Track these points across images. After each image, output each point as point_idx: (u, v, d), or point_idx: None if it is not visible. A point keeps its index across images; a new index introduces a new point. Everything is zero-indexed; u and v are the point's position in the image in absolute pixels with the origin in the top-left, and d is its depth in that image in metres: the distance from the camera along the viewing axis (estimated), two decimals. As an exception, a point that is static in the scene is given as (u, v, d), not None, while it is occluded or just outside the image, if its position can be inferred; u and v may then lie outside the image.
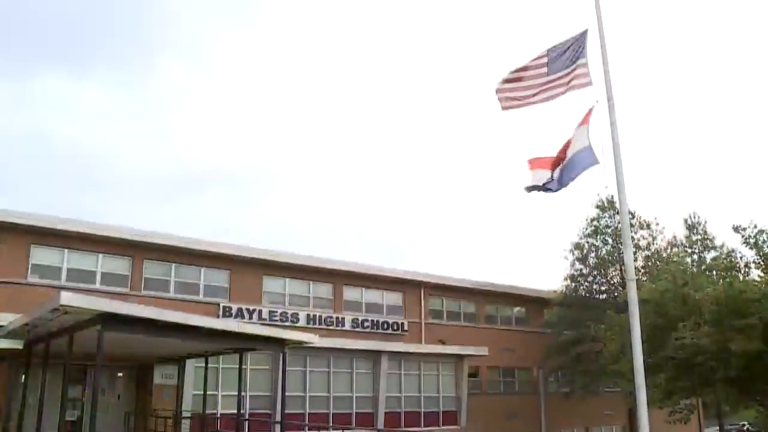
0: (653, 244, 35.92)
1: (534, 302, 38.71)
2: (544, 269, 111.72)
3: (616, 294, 34.32)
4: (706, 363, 14.89)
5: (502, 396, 35.49)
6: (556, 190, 11.85)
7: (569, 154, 11.72)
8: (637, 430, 11.57)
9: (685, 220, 35.06)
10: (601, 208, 36.52)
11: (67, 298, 12.04)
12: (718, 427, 42.71)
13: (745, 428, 51.94)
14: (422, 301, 32.97)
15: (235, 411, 19.80)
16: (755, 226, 15.66)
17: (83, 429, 21.57)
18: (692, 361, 15.18)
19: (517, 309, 38.57)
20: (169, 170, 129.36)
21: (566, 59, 11.60)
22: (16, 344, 15.83)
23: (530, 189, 12.00)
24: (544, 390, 37.47)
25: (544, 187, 11.87)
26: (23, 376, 17.93)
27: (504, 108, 11.96)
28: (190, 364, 22.91)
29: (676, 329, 15.22)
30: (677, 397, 16.91)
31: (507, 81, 11.86)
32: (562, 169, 11.67)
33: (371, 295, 31.39)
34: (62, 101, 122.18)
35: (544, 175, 11.98)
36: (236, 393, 19.45)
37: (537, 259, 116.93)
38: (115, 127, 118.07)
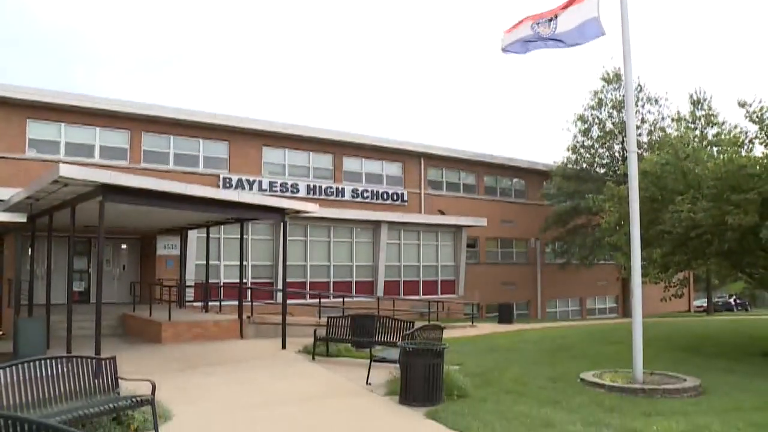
0: (660, 121, 35.54)
1: (534, 174, 38.80)
2: (545, 142, 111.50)
3: (616, 168, 34.36)
4: (702, 236, 15.02)
5: (499, 266, 36.31)
6: (543, 47, 11.63)
7: (575, 21, 11.39)
8: (630, 300, 11.90)
9: (691, 95, 34.42)
10: (607, 80, 35.87)
11: (66, 170, 11.97)
12: (706, 300, 44.12)
13: (732, 299, 53.68)
14: (422, 172, 33.02)
15: (237, 280, 20.27)
16: (760, 101, 15.33)
17: (90, 298, 22.24)
18: (688, 235, 15.31)
19: (516, 181, 38.70)
20: (155, 44, 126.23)
21: None
22: (20, 217, 15.91)
23: (512, 46, 11.78)
24: (541, 261, 38.30)
25: (526, 45, 11.66)
26: (30, 249, 18.20)
27: None
28: (192, 235, 23.25)
29: (673, 203, 15.24)
30: (672, 271, 17.19)
31: None
32: (559, 32, 11.40)
33: (371, 166, 31.39)
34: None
35: (524, 31, 11.79)
36: (238, 262, 19.83)
37: (538, 131, 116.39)
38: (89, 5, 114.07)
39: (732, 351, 17.10)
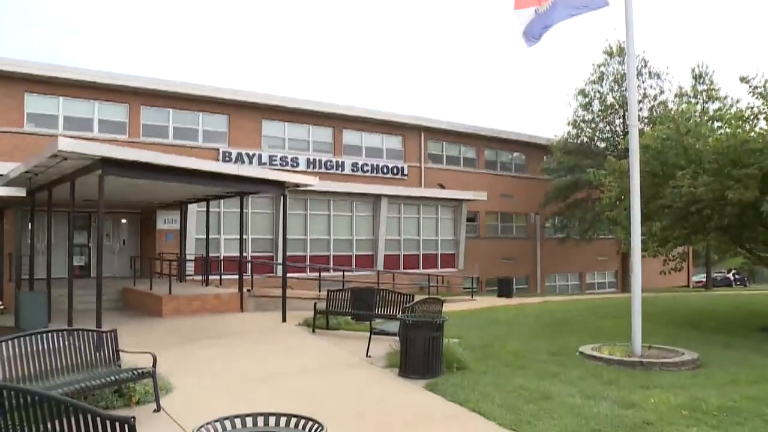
0: (660, 95, 35.33)
1: (534, 148, 38.70)
2: (546, 117, 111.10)
3: (617, 143, 34.26)
4: (702, 211, 15.02)
5: (499, 240, 36.36)
6: (549, 26, 11.47)
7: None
8: (630, 275, 11.93)
9: (692, 70, 34.16)
10: (609, 53, 35.61)
11: (64, 144, 11.93)
12: (705, 275, 44.23)
13: (731, 274, 53.85)
14: (422, 146, 32.93)
15: (237, 253, 20.31)
16: (763, 75, 15.21)
17: (91, 272, 22.30)
18: (688, 210, 15.32)
19: (516, 155, 38.61)
20: (152, 18, 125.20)
21: None
22: (19, 192, 15.88)
23: (528, 37, 11.62)
24: (541, 235, 38.35)
25: (537, 29, 11.51)
26: (30, 224, 18.21)
27: None
28: (192, 209, 23.25)
29: (674, 177, 15.22)
30: (671, 245, 17.21)
31: None
32: (558, 3, 11.27)
33: (371, 139, 31.28)
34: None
35: (528, 15, 11.63)
36: (238, 236, 19.85)
37: (539, 105, 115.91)
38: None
39: (730, 326, 17.19)
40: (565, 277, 40.28)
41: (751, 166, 13.76)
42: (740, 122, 15.44)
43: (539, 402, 7.75)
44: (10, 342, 6.81)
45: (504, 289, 28.04)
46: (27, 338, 7.01)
